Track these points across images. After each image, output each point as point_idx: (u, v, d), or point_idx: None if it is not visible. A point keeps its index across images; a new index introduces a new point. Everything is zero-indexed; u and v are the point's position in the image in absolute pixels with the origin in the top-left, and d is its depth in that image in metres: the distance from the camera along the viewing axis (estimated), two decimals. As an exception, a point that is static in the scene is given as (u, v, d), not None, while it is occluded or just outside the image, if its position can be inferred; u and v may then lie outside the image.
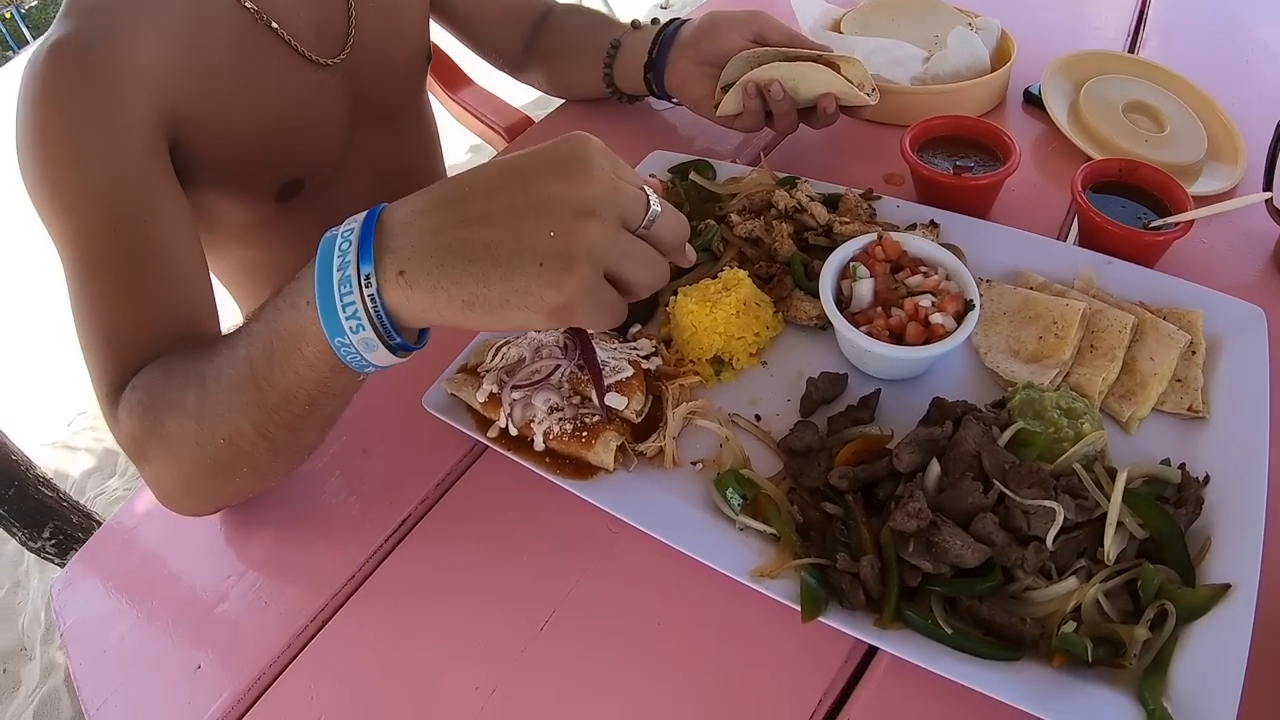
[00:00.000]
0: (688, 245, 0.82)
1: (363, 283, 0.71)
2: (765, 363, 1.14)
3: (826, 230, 1.22)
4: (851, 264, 1.14)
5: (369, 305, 0.72)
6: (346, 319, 0.73)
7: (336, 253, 0.73)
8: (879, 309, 1.11)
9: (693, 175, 1.31)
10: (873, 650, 0.91)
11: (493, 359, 1.11)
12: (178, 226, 1.12)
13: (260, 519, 1.18)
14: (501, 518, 1.08)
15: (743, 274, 1.14)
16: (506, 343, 1.12)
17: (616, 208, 0.71)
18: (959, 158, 1.38)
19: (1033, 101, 1.58)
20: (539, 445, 1.04)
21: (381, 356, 0.78)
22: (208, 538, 1.19)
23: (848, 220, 1.22)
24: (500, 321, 0.72)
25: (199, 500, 1.08)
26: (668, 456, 1.04)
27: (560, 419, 1.04)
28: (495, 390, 1.07)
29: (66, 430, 3.65)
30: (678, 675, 0.93)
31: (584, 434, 1.02)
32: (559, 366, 1.06)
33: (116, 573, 1.22)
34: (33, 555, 2.30)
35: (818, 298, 1.16)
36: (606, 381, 1.04)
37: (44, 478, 2.03)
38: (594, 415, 1.04)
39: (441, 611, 1.02)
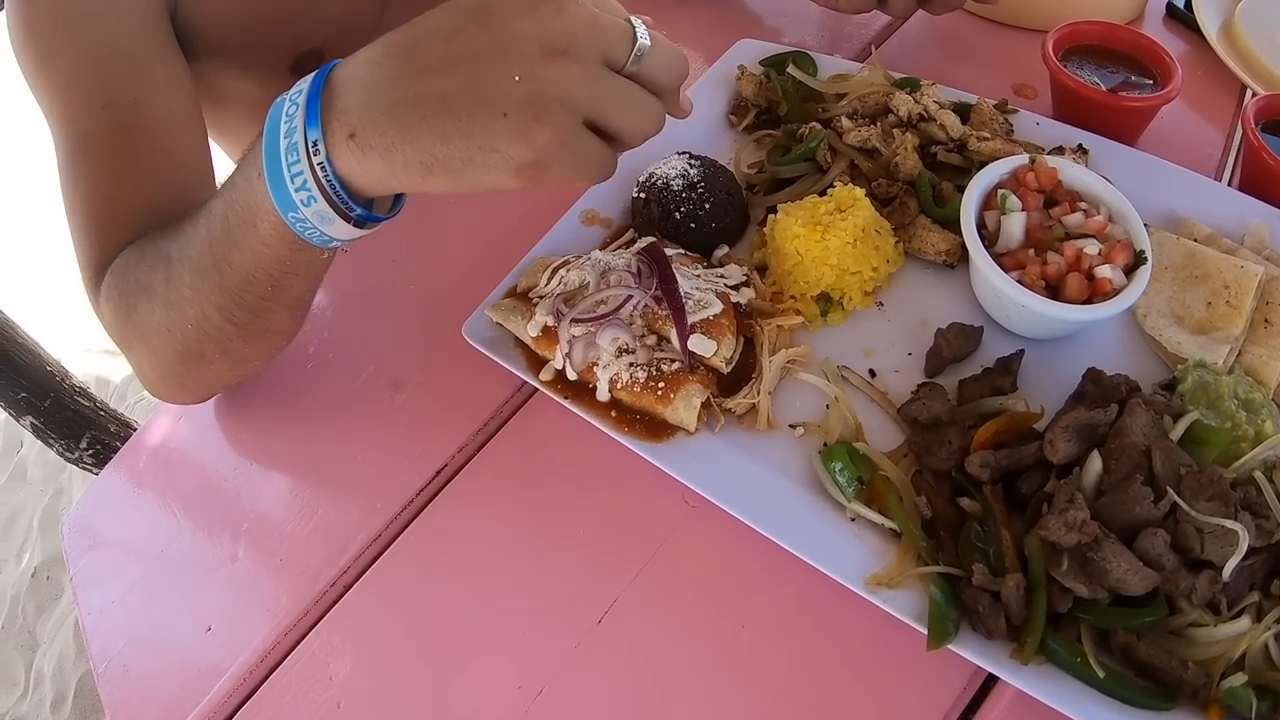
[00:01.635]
0: (683, 93, 0.68)
1: (310, 150, 0.59)
2: (881, 304, 0.85)
3: (960, 145, 0.92)
4: (999, 191, 0.84)
5: (319, 174, 0.60)
6: (296, 191, 0.61)
7: (284, 118, 0.61)
8: (1030, 251, 0.81)
9: (791, 69, 1.00)
10: (993, 678, 0.68)
11: (548, 282, 0.83)
12: (174, 100, 0.91)
13: (273, 462, 0.94)
14: (554, 479, 0.83)
15: (859, 193, 0.84)
16: (566, 263, 0.84)
17: (595, 44, 0.58)
18: (1105, 72, 1.05)
19: (1177, 17, 1.23)
20: (603, 395, 0.77)
21: (341, 230, 0.64)
22: (218, 480, 0.96)
23: (987, 136, 0.91)
24: (465, 183, 0.60)
25: (179, 388, 0.94)
26: (761, 417, 0.77)
27: (631, 365, 0.76)
28: (551, 323, 0.79)
29: (105, 336, 3.37)
30: (759, 690, 0.70)
31: (660, 385, 0.75)
32: (630, 297, 0.77)
33: (125, 517, 1.00)
34: (74, 465, 2.14)
35: (947, 228, 0.87)
36: (690, 319, 0.76)
37: (81, 388, 1.82)
38: (673, 362, 0.77)
39: (480, 588, 0.78)
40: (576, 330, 0.78)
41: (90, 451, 1.75)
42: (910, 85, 0.98)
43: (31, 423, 1.63)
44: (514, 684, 0.72)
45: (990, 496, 0.72)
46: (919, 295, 0.86)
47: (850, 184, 0.87)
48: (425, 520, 0.84)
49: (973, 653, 0.64)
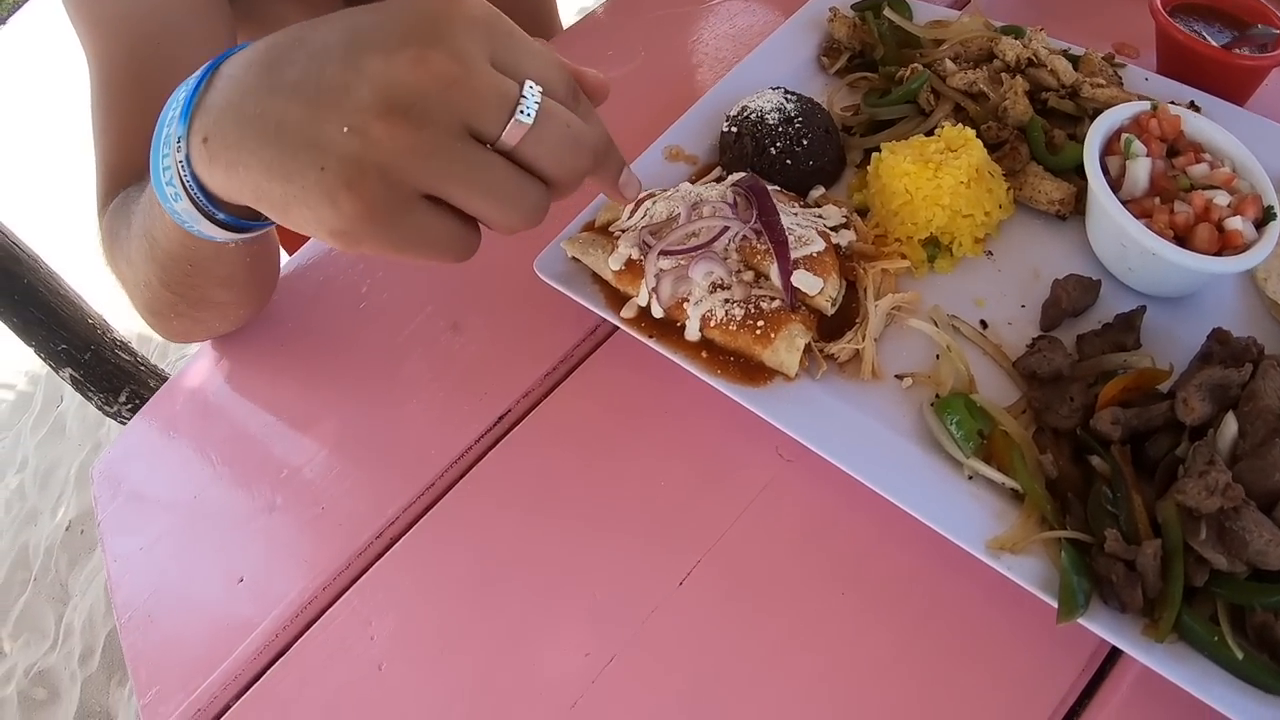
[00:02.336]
0: (626, 174, 0.59)
1: (176, 145, 0.51)
2: (990, 254, 0.76)
3: (1072, 92, 0.82)
4: (1122, 136, 0.74)
5: (181, 173, 0.53)
6: (166, 185, 0.54)
7: (171, 103, 0.52)
8: (1156, 200, 0.71)
9: (888, 12, 0.91)
10: (1113, 655, 0.58)
11: (630, 215, 0.74)
12: (204, 53, 0.80)
13: (320, 404, 0.85)
14: (630, 428, 0.73)
15: (970, 133, 0.75)
16: (651, 195, 0.74)
17: (452, 107, 0.45)
18: (1213, 30, 0.95)
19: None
20: (693, 333, 0.68)
21: (212, 230, 0.57)
22: (258, 426, 0.87)
23: (1101, 82, 0.81)
24: (291, 223, 0.50)
25: (164, 332, 0.90)
26: (866, 365, 0.67)
27: (727, 301, 0.67)
28: (636, 255, 0.70)
29: None
30: (860, 664, 0.60)
31: (759, 324, 0.66)
32: (726, 229, 0.68)
33: (158, 463, 0.91)
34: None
35: (1060, 176, 0.77)
36: (794, 254, 0.67)
37: (122, 341, 1.75)
38: (772, 299, 0.67)
39: (544, 546, 0.69)
40: (665, 263, 0.68)
41: (129, 405, 1.67)
42: (1014, 32, 0.88)
43: (71, 375, 1.55)
44: (580, 651, 0.63)
45: (1119, 456, 0.62)
46: (1030, 246, 0.76)
47: (956, 125, 0.77)
48: (484, 470, 0.74)
49: (1103, 627, 0.55)
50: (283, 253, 1.18)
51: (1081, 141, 0.81)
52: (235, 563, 0.78)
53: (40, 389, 3.02)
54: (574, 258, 0.75)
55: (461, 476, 0.75)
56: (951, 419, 0.64)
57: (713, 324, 0.67)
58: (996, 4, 1.05)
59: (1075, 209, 0.77)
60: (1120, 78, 0.87)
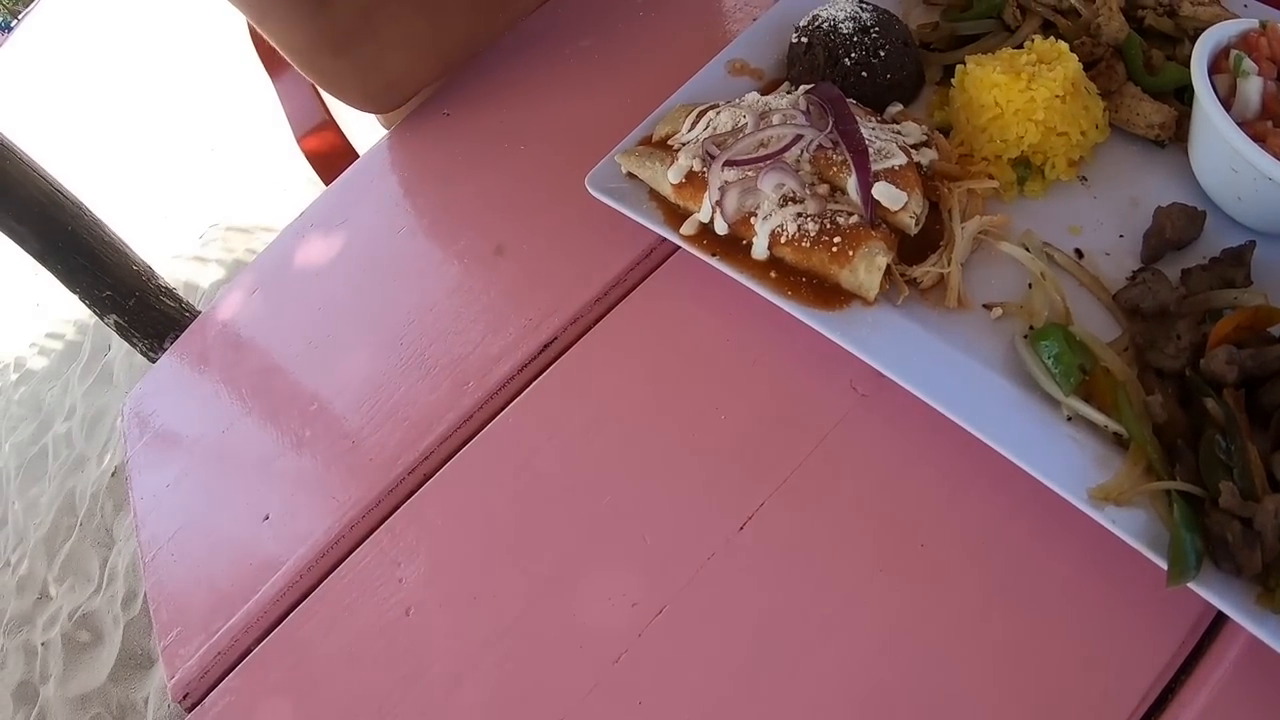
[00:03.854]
0: None
1: None
2: (1084, 179, 0.64)
3: (1170, 10, 0.70)
4: (1231, 53, 0.62)
5: None
6: None
7: None
8: (1269, 124, 0.60)
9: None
10: (1218, 622, 0.48)
11: (691, 128, 0.63)
12: None
13: (354, 333, 0.76)
14: (688, 356, 0.63)
15: (1064, 46, 0.63)
16: (715, 106, 0.64)
17: None
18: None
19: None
20: (760, 251, 0.58)
21: None
22: (289, 359, 0.79)
23: (1203, 0, 0.70)
24: None
25: (433, 56, 0.85)
26: (952, 292, 0.57)
27: (799, 215, 0.57)
28: (698, 167, 0.60)
29: (198, 242, 3.28)
30: (938, 624, 0.50)
31: (835, 240, 0.55)
32: (800, 137, 0.58)
33: (187, 399, 0.84)
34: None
35: (1158, 99, 0.66)
36: (874, 166, 0.56)
37: (167, 288, 1.67)
38: (851, 215, 0.57)
39: (591, 484, 0.59)
40: (731, 174, 0.58)
41: None
42: (1104, -48, 0.77)
43: (115, 321, 1.48)
44: (627, 600, 0.54)
45: (1234, 401, 0.52)
46: (1127, 172, 0.65)
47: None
48: (527, 401, 0.65)
49: (1214, 593, 0.45)
50: (316, 182, 1.08)
51: (1181, 63, 0.70)
52: (262, 499, 0.70)
53: (88, 338, 2.97)
54: (629, 173, 0.65)
55: (503, 409, 0.66)
56: (1049, 352, 0.54)
57: (783, 240, 0.56)
58: None
59: (1175, 135, 0.66)
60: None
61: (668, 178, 0.61)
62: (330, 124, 1.14)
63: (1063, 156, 0.63)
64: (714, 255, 0.59)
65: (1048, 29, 0.71)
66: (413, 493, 0.65)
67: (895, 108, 0.67)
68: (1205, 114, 0.59)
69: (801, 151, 0.58)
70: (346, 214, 0.86)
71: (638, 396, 0.63)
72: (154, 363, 1.88)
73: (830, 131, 0.58)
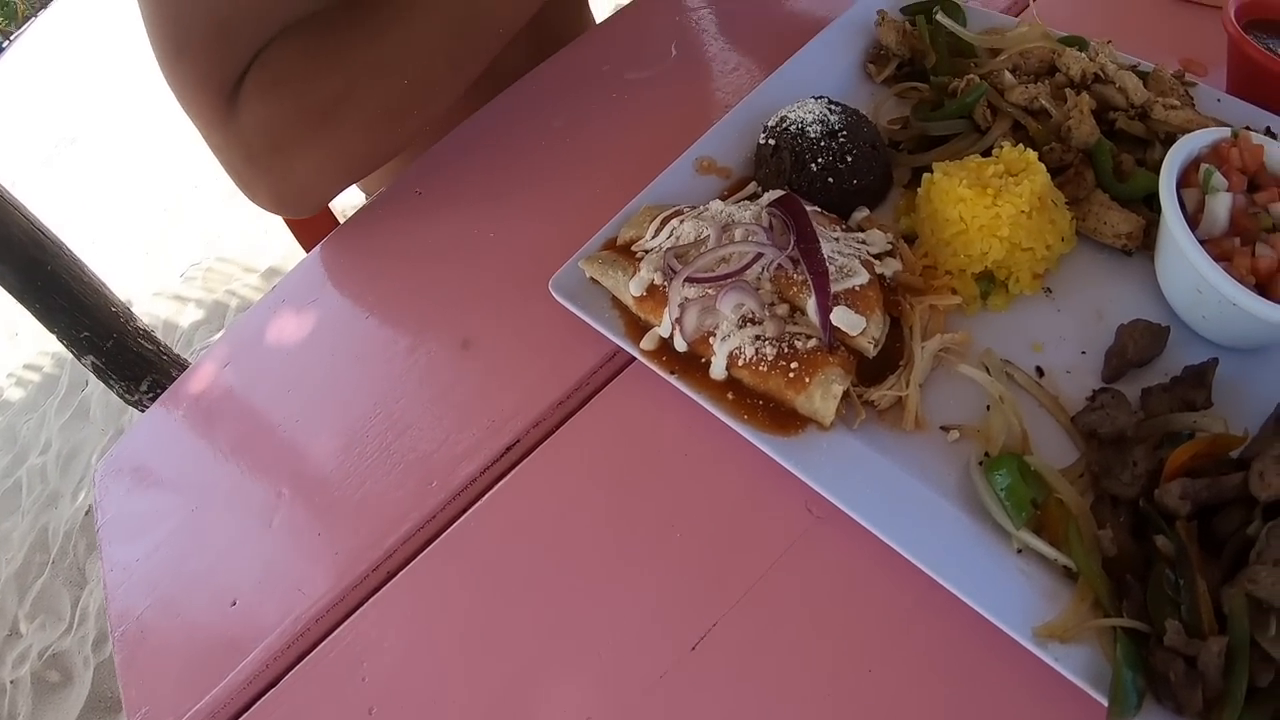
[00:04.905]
0: None
1: None
2: (1049, 291, 0.66)
3: (1142, 113, 0.72)
4: (1201, 167, 0.64)
5: None
6: None
7: None
8: (1236, 241, 0.62)
9: (940, 17, 0.80)
10: None
11: (656, 234, 0.65)
12: None
13: (321, 420, 0.77)
14: (648, 469, 0.64)
15: (1032, 156, 0.65)
16: (679, 212, 0.65)
17: None
18: (1284, 44, 0.85)
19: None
20: (718, 371, 0.59)
21: None
22: (261, 439, 0.80)
23: (1175, 103, 0.71)
24: None
25: (338, 171, 0.84)
26: (909, 414, 0.58)
27: (758, 338, 0.58)
28: (659, 281, 0.61)
29: (179, 281, 3.30)
30: None
31: (792, 365, 0.57)
32: (760, 255, 0.59)
33: (159, 469, 0.85)
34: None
35: (1127, 206, 0.68)
36: (834, 288, 0.58)
37: (145, 330, 1.69)
38: (808, 338, 0.58)
39: (549, 594, 0.60)
40: (691, 291, 0.60)
41: (150, 395, 1.62)
42: (1076, 44, 0.78)
43: (93, 362, 1.50)
44: (582, 714, 0.55)
45: (1185, 534, 0.53)
46: (1092, 284, 0.66)
47: (1016, 146, 0.68)
48: (489, 505, 0.66)
49: None
50: (289, 258, 1.11)
51: (1151, 169, 0.72)
52: (230, 584, 0.70)
53: (66, 372, 2.97)
54: (592, 279, 0.67)
55: (464, 511, 0.67)
56: (1002, 484, 0.55)
57: (741, 363, 0.58)
58: (1052, 12, 0.94)
59: (1143, 244, 0.68)
60: (1192, 98, 0.77)
61: (629, 289, 0.62)
62: None
63: (1027, 270, 0.64)
64: (672, 373, 0.60)
65: (1018, 131, 0.73)
66: (377, 589, 0.66)
67: (861, 213, 0.68)
68: (1171, 234, 0.61)
69: (762, 270, 0.59)
70: (317, 292, 0.87)
71: (597, 506, 0.64)
72: (130, 404, 1.92)
73: (791, 250, 0.59)
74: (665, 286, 0.60)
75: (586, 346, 0.70)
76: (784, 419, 0.57)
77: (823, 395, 0.56)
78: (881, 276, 0.63)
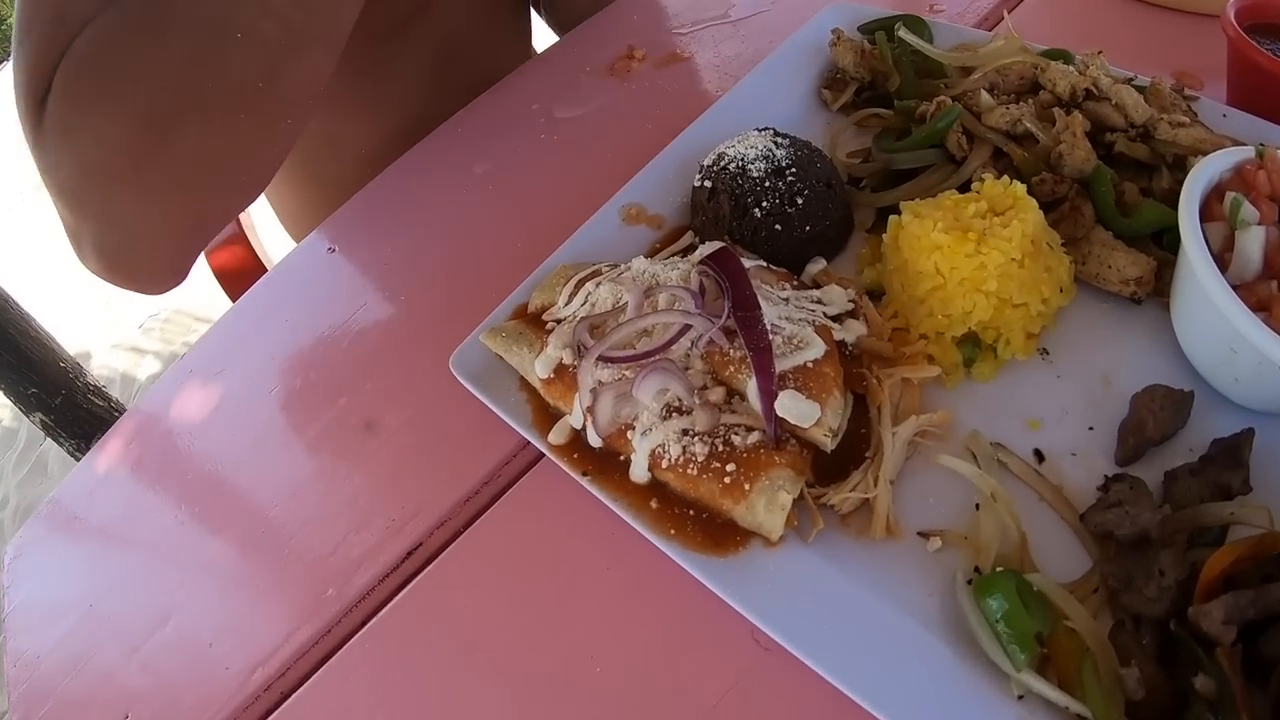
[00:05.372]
0: None
1: None
2: (1045, 352, 0.51)
3: (1145, 132, 0.57)
4: (1228, 196, 0.49)
5: None
6: None
7: None
8: (1275, 285, 0.47)
9: (903, 33, 0.66)
10: None
11: (569, 300, 0.51)
12: None
13: (221, 509, 0.64)
14: (567, 578, 0.49)
15: (1020, 189, 0.50)
16: (596, 273, 0.51)
17: None
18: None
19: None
20: (639, 474, 0.44)
21: None
22: (160, 527, 0.66)
23: (1184, 120, 0.57)
24: None
25: (178, 213, 0.58)
26: (879, 519, 0.43)
27: (686, 432, 0.43)
28: (568, 360, 0.47)
29: (138, 333, 3.06)
30: None
31: (728, 467, 0.42)
32: (688, 328, 0.45)
33: (66, 553, 0.71)
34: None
35: (1133, 244, 0.53)
36: (779, 366, 0.43)
37: (96, 386, 1.54)
38: (749, 431, 0.43)
39: None
40: (605, 374, 0.45)
41: None
42: (1060, 58, 0.64)
43: (42, 419, 1.36)
44: None
45: (1229, 666, 0.39)
46: (1097, 342, 0.51)
47: (999, 178, 0.53)
48: (387, 620, 0.53)
49: None
50: (197, 326, 0.95)
51: (1159, 198, 0.58)
52: (123, 695, 0.59)
53: (24, 426, 2.75)
54: (499, 355, 0.53)
55: (361, 626, 0.53)
56: (998, 611, 0.40)
57: (665, 464, 0.43)
58: (1028, 25, 0.80)
59: (1154, 289, 0.53)
60: (1195, 114, 0.63)
61: (535, 369, 0.48)
62: (240, 238, 1.02)
63: (1019, 331, 0.49)
64: (585, 474, 0.46)
65: (999, 160, 0.58)
66: (270, 712, 0.53)
67: (817, 266, 0.53)
68: (1198, 282, 0.46)
69: (691, 345, 0.45)
70: (225, 362, 0.74)
71: (506, 628, 0.49)
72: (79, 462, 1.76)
73: (726, 318, 0.45)
74: (575, 367, 0.46)
75: (496, 431, 0.55)
76: (721, 533, 0.43)
77: (768, 505, 0.41)
78: (842, 344, 0.48)
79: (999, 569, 0.43)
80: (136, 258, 0.57)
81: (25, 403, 1.38)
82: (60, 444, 1.43)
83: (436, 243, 0.74)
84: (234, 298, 1.07)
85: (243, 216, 1.07)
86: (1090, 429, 0.49)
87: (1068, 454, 0.48)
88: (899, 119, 0.62)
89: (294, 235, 1.06)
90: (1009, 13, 0.73)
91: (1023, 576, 0.43)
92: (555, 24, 1.09)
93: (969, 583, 0.43)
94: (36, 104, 0.54)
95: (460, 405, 0.58)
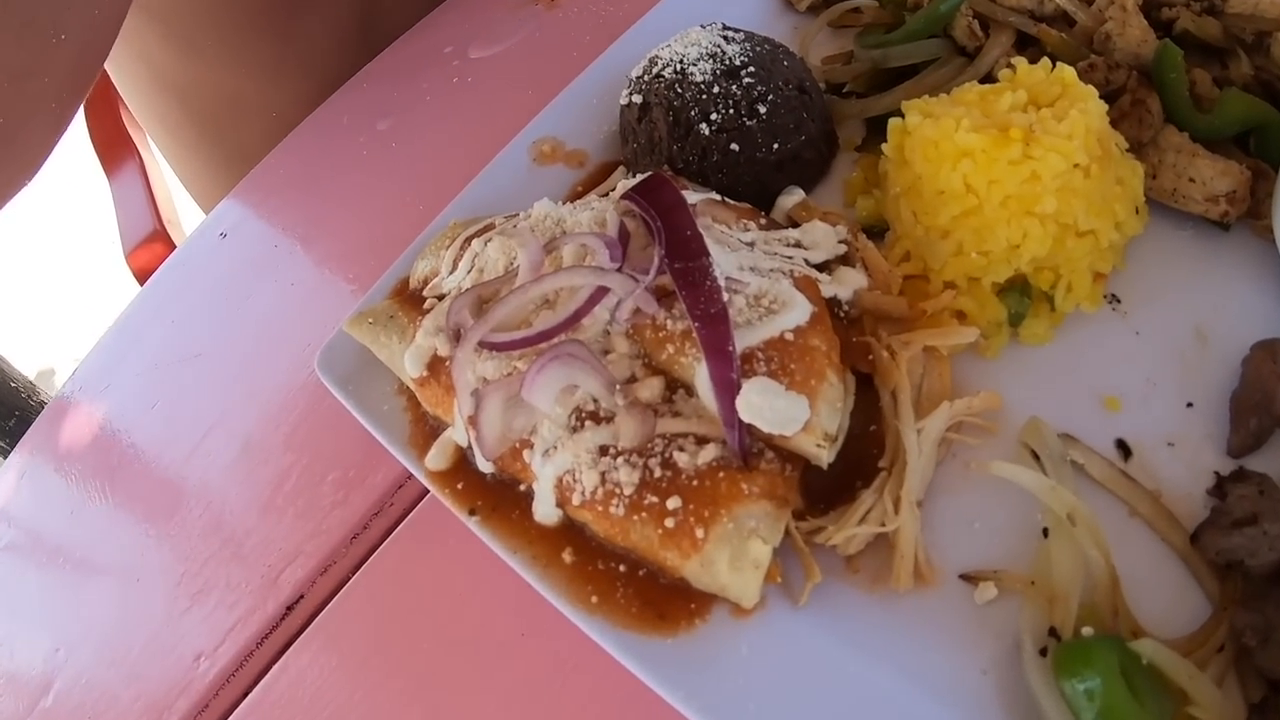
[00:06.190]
0: None
1: None
2: (1115, 300, 0.33)
3: (1211, 5, 0.39)
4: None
5: None
6: None
7: None
8: None
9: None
10: None
11: (454, 267, 0.33)
12: None
13: (101, 549, 0.48)
14: (472, 650, 0.33)
15: (1070, 72, 0.32)
16: (488, 227, 0.33)
17: None
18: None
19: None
20: (546, 512, 0.27)
21: None
22: (45, 573, 0.51)
23: (1259, -17, 0.39)
24: None
25: None
26: (903, 560, 0.26)
27: (606, 451, 0.25)
28: (443, 350, 0.29)
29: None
30: None
31: (670, 502, 0.24)
32: (603, 293, 0.27)
33: None
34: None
35: (1215, 148, 0.35)
36: (741, 341, 0.26)
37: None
38: (700, 444, 0.26)
39: None
40: (489, 367, 0.27)
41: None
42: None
43: None
44: None
45: None
46: (1178, 281, 0.33)
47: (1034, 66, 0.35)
48: (265, 695, 0.36)
49: None
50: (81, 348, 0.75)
51: (1245, 87, 0.39)
52: None
53: None
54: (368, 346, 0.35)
55: (235, 707, 0.36)
56: (1089, 698, 0.24)
57: (578, 499, 0.25)
58: None
59: (1249, 210, 0.35)
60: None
61: (405, 365, 0.30)
62: (161, 234, 0.84)
63: (1085, 270, 0.31)
64: (472, 513, 0.28)
65: (1026, 46, 0.40)
66: None
67: (792, 197, 0.34)
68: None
69: (610, 316, 0.28)
70: (110, 376, 0.56)
71: (398, 710, 0.33)
72: None
73: (659, 272, 0.27)
74: (452, 358, 0.28)
75: (384, 449, 0.37)
76: (667, 600, 0.25)
77: (734, 560, 0.24)
78: (834, 302, 0.30)
79: (1086, 630, 0.27)
80: None
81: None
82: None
83: (331, 216, 0.55)
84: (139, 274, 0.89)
85: (162, 210, 0.89)
86: (1189, 405, 0.31)
87: (1162, 444, 0.30)
88: (889, 10, 0.42)
89: (201, 205, 0.88)
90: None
91: (1126, 645, 0.26)
92: None
93: (1043, 653, 0.27)
94: None
95: (341, 415, 0.37)
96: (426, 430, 0.32)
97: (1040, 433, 0.29)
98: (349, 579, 0.39)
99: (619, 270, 0.27)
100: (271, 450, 0.45)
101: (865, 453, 0.28)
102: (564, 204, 0.34)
